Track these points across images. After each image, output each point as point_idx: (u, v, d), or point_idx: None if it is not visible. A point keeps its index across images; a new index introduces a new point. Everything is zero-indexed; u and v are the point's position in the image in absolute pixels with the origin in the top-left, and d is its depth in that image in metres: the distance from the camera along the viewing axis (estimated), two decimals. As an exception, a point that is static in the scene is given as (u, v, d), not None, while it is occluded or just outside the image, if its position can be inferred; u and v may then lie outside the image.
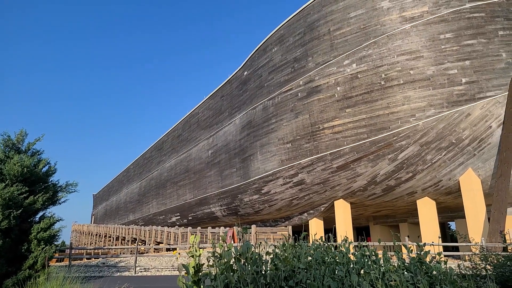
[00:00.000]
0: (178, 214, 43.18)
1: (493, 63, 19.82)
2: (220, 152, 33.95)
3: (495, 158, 19.32)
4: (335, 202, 24.76)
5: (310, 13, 25.29)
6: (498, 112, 19.26)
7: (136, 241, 24.38)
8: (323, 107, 23.67)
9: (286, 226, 28.85)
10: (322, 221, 26.61)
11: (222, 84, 35.56)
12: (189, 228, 27.58)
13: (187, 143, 41.96)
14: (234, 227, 19.39)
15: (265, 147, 27.29)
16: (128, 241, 43.72)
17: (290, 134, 25.37)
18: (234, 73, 33.65)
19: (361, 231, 30.81)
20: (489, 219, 18.49)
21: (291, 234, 22.06)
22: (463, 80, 19.88)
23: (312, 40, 24.95)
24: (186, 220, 41.87)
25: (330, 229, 25.47)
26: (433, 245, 14.17)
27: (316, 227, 26.06)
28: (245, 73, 31.57)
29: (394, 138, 20.97)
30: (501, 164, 17.46)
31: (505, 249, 16.32)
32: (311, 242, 5.98)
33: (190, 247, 3.92)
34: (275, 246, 4.98)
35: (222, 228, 22.26)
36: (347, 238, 6.27)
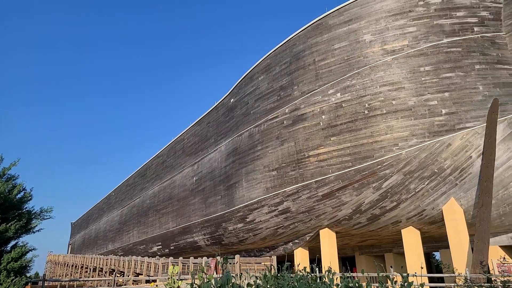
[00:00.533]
0: (159, 243, 41.89)
1: (471, 96, 20.52)
2: (205, 179, 33.55)
3: (476, 188, 19.61)
4: (320, 231, 24.50)
5: (296, 43, 26.00)
6: (478, 142, 19.74)
7: (114, 273, 23.37)
8: (308, 135, 23.88)
9: (270, 256, 28.25)
10: (308, 251, 26.18)
11: (209, 110, 35.70)
12: (171, 258, 26.69)
13: (172, 169, 41.42)
14: (217, 257, 18.86)
15: (251, 174, 27.12)
16: (105, 272, 41.92)
17: (276, 161, 25.35)
18: (221, 100, 33.90)
19: (346, 261, 30.38)
20: (472, 249, 18.52)
21: (275, 265, 21.55)
22: (443, 111, 20.44)
23: (298, 70, 25.50)
24: (167, 250, 40.60)
25: (315, 259, 25.05)
26: (416, 276, 14.00)
27: (301, 257, 25.59)
28: (232, 100, 31.84)
29: (378, 166, 21.16)
30: (482, 194, 17.72)
31: (488, 280, 16.26)
32: (295, 272, 5.81)
33: (169, 278, 3.72)
34: (256, 277, 4.78)
35: (204, 258, 21.61)
36: (331, 268, 6.10)
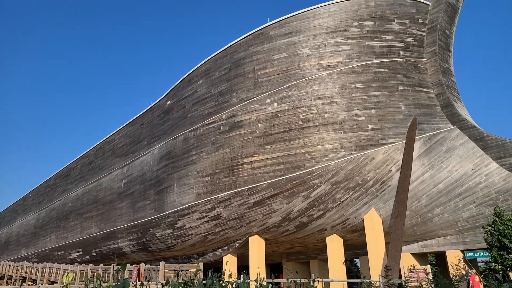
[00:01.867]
0: (80, 249, 38.93)
1: (394, 114, 22.19)
2: (134, 183, 32.01)
3: (394, 199, 21.13)
4: (250, 238, 24.59)
5: (237, 50, 26.11)
6: (397, 157, 21.36)
7: (26, 281, 21.13)
8: (244, 142, 23.97)
9: (199, 263, 27.66)
10: (236, 258, 26.09)
11: (143, 111, 34.30)
12: (90, 265, 24.87)
13: (99, 171, 38.92)
14: (141, 264, 17.99)
15: (183, 179, 26.45)
16: (15, 280, 37.80)
17: (210, 167, 25.04)
18: (157, 101, 32.78)
19: (274, 268, 30.86)
20: (387, 256, 19.86)
21: (201, 271, 21.10)
22: (369, 127, 21.82)
23: (237, 77, 25.59)
24: (89, 257, 37.86)
25: (244, 266, 25.02)
26: (330, 281, 14.61)
27: (230, 264, 25.40)
28: (168, 102, 30.95)
29: (309, 176, 21.88)
30: (398, 205, 19.14)
31: (400, 285, 17.51)
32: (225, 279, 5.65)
33: (63, 287, 3.33)
34: (162, 284, 4.53)
35: (127, 265, 20.45)
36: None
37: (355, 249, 25.09)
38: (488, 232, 17.09)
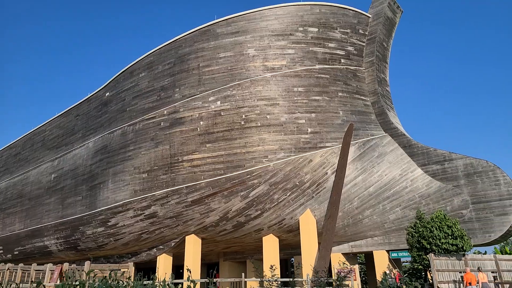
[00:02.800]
0: (0, 247, 35.63)
1: (333, 119, 23.00)
2: (65, 177, 29.96)
3: (328, 201, 21.89)
4: (186, 237, 24.11)
5: (182, 45, 25.50)
6: (333, 161, 22.16)
7: None
8: (184, 139, 23.45)
9: (132, 262, 26.59)
10: (172, 257, 25.45)
11: (79, 102, 32.24)
12: (9, 264, 22.80)
13: (26, 163, 35.93)
14: (65, 264, 16.84)
15: (119, 175, 25.26)
16: None
17: (148, 163, 24.17)
18: (94, 92, 30.98)
19: (211, 268, 30.57)
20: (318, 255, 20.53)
21: (132, 272, 20.26)
22: (309, 130, 22.41)
23: (181, 72, 25.00)
24: (10, 255, 34.80)
25: (179, 265, 24.49)
26: (263, 281, 14.75)
27: (164, 263, 24.71)
28: (107, 94, 29.40)
29: (248, 176, 21.95)
30: (331, 206, 19.86)
31: (329, 283, 18.16)
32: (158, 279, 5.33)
33: None
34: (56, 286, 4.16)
35: (50, 264, 19.02)
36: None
37: (290, 248, 25.65)
38: (410, 234, 18.30)
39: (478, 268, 16.06)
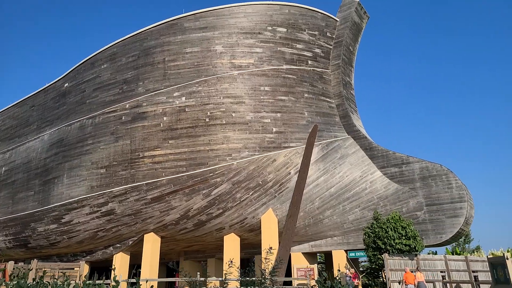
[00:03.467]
0: None
1: (298, 119, 23.15)
2: (17, 171, 28.28)
3: (290, 201, 22.01)
4: (145, 235, 23.43)
5: (148, 38, 24.76)
6: (297, 161, 22.31)
7: None
8: (146, 134, 22.78)
9: (87, 261, 25.53)
10: (129, 256, 24.65)
11: (36, 92, 30.54)
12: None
13: (-25, 155, 33.57)
14: (10, 262, 15.83)
15: (75, 170, 24.13)
16: None
17: (107, 158, 23.25)
18: (52, 82, 29.45)
19: (171, 268, 29.94)
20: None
21: (84, 270, 19.34)
22: (274, 130, 22.43)
23: (146, 66, 24.27)
24: (-47, 254, 32.38)
25: (137, 265, 23.74)
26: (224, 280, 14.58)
27: (121, 262, 23.88)
28: (66, 85, 28.04)
29: (211, 174, 21.64)
30: (292, 206, 19.97)
31: (287, 283, 18.23)
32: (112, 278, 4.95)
33: None
34: None
35: (-6, 263, 17.83)
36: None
37: (252, 248, 25.58)
38: (366, 234, 18.73)
39: (417, 267, 16.68)
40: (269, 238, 21.73)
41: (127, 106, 23.92)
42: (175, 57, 23.73)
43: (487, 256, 16.36)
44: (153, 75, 23.86)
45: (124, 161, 22.73)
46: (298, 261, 23.26)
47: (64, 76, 28.53)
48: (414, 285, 15.32)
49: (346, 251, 22.27)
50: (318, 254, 30.14)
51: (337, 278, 15.55)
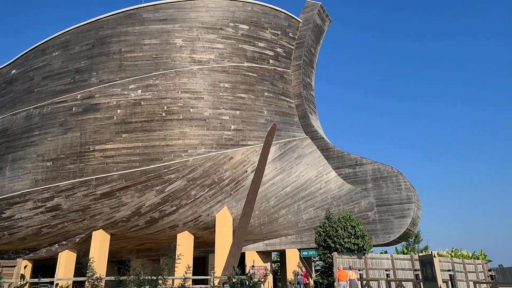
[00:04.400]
0: None
1: (257, 118, 23.06)
2: (-46, 161, 26.11)
3: (245, 199, 21.86)
4: (93, 232, 22.42)
5: (104, 27, 23.70)
6: (254, 159, 22.22)
7: None
8: (98, 127, 21.79)
9: (31, 259, 24.11)
10: (76, 254, 23.48)
11: (-20, 77, 28.37)
12: None
13: None
14: None
15: (19, 162, 22.66)
16: None
17: (54, 151, 22.00)
18: (-1, 68, 27.50)
19: (123, 265, 28.88)
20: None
21: (20, 269, 18.17)
22: (232, 127, 22.20)
23: (101, 55, 23.22)
24: None
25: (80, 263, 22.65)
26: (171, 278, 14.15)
27: (67, 260, 22.70)
28: (14, 71, 26.28)
29: (165, 170, 21.06)
30: (246, 204, 19.85)
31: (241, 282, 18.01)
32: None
33: None
34: None
35: None
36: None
37: (206, 246, 25.21)
38: (318, 233, 18.95)
39: (349, 266, 17.11)
40: (224, 237, 21.49)
41: (78, 96, 22.77)
42: (132, 48, 22.89)
43: (418, 255, 17.08)
44: (108, 65, 22.87)
45: (72, 154, 21.61)
46: (252, 260, 23.18)
47: (11, 62, 26.73)
48: (347, 282, 15.68)
49: (299, 250, 22.46)
50: (274, 253, 30.30)
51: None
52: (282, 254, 26.08)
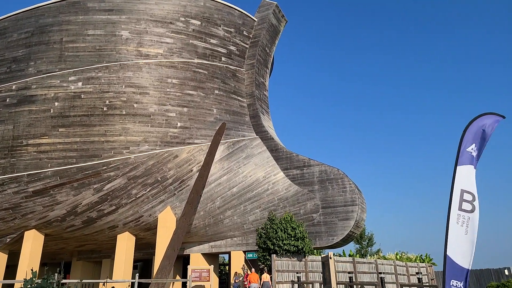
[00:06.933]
0: None
1: (205, 116, 22.42)
2: None
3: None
4: (25, 232, 21.01)
5: (45, 14, 22.36)
6: (200, 158, 21.55)
7: None
8: (33, 120, 20.44)
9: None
10: (7, 255, 21.94)
11: None
12: None
13: None
14: None
15: None
16: None
17: (-17, 144, 20.44)
18: None
19: (64, 267, 27.44)
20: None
21: None
22: (179, 124, 21.45)
23: (40, 44, 21.86)
24: None
25: (15, 265, 21.21)
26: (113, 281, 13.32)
27: (-6, 263, 21.15)
28: None
29: (104, 167, 20.02)
30: (187, 204, 19.16)
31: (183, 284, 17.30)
32: None
33: None
34: None
35: None
36: None
37: (150, 248, 24.25)
38: (259, 235, 18.53)
39: (262, 268, 16.95)
40: (166, 238, 20.63)
41: (13, 87, 21.32)
42: (74, 38, 21.69)
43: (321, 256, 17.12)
44: (47, 55, 21.56)
45: (3, 148, 20.16)
46: (197, 262, 22.53)
47: None
48: (258, 284, 15.44)
49: (244, 252, 21.97)
50: (221, 255, 29.70)
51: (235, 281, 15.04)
52: (229, 256, 25.51)
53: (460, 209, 6.61)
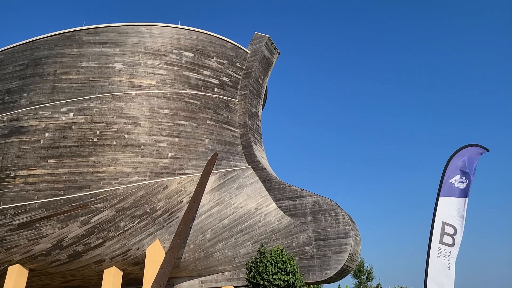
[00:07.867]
0: None
1: (197, 146, 22.28)
2: None
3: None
4: (9, 267, 20.30)
5: (40, 47, 22.78)
6: (191, 189, 21.18)
7: None
8: (22, 151, 20.30)
9: None
10: (-12, 292, 21.11)
11: None
12: None
13: None
14: None
15: None
16: None
17: (-30, 176, 20.18)
18: None
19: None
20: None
21: None
22: (169, 155, 21.27)
23: (34, 76, 22.13)
24: None
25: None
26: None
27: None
28: None
29: (92, 199, 19.65)
30: (175, 237, 18.60)
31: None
32: None
33: None
34: None
35: None
36: None
37: (139, 284, 23.35)
38: (248, 269, 17.88)
39: None
40: (154, 272, 19.80)
41: (5, 118, 21.34)
42: (68, 70, 21.97)
43: None
44: (41, 87, 21.75)
45: (-10, 180, 19.88)
46: (186, 298, 21.60)
47: None
48: None
49: (236, 287, 21.13)
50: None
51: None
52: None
53: (441, 242, 6.28)
